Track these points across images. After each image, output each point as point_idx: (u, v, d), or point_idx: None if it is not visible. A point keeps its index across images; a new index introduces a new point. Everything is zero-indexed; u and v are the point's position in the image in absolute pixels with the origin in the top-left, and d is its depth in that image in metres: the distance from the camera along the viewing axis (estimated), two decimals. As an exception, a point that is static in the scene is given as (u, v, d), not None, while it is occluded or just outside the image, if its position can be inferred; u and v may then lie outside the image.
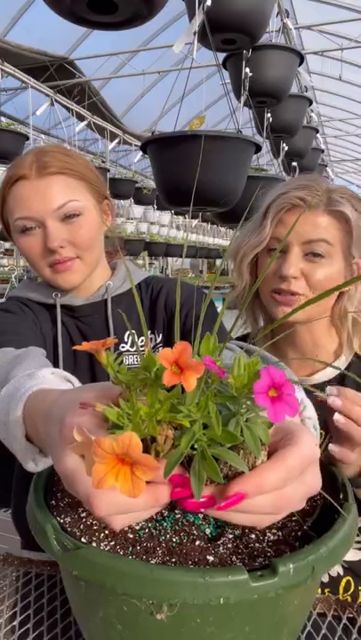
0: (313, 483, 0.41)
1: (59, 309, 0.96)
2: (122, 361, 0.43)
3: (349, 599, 0.92)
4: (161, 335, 1.00)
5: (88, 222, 0.89)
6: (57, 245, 0.85)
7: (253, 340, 1.06)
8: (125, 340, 0.98)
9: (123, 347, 0.99)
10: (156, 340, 0.99)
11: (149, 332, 1.00)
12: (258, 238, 0.94)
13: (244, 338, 1.11)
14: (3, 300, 1.06)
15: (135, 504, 0.37)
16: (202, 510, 0.40)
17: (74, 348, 0.46)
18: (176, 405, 0.38)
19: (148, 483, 0.36)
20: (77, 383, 0.60)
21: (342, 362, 0.98)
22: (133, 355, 0.98)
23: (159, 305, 1.01)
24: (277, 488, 0.37)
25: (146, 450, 0.36)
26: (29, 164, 0.85)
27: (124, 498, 0.35)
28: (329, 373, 0.98)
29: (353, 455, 0.68)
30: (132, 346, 0.98)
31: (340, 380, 0.97)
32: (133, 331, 1.00)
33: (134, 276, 1.04)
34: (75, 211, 0.87)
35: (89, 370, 0.99)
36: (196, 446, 0.38)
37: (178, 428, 0.39)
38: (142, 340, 0.97)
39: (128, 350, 0.98)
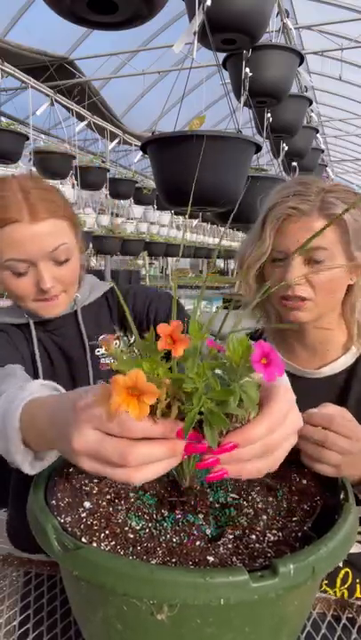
0: (295, 421, 0.50)
1: (33, 327, 1.00)
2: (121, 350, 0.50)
3: (346, 593, 0.93)
4: (133, 336, 1.03)
5: (74, 261, 0.95)
6: (50, 287, 0.90)
7: (264, 336, 1.11)
8: (99, 345, 1.04)
9: (98, 351, 1.05)
10: (129, 340, 1.07)
11: (122, 334, 1.07)
12: (260, 250, 0.98)
13: (257, 333, 1.15)
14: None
15: (158, 453, 0.45)
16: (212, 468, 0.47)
17: None
18: (178, 375, 0.46)
19: (166, 439, 0.45)
20: (64, 391, 0.65)
21: (353, 354, 1.00)
22: (108, 357, 1.04)
23: (128, 308, 1.05)
24: (264, 437, 0.46)
25: (151, 412, 0.44)
26: (17, 206, 0.87)
27: (149, 449, 0.44)
28: (338, 366, 1.00)
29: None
30: (106, 349, 1.02)
31: (349, 373, 0.98)
32: (104, 335, 1.05)
33: (99, 287, 1.10)
34: (65, 254, 0.92)
35: (70, 383, 1.03)
36: (203, 410, 0.45)
37: (178, 398, 0.47)
38: (117, 344, 1.05)
39: (103, 354, 1.04)
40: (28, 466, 0.62)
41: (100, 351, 1.04)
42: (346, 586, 0.93)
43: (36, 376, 0.97)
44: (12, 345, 0.97)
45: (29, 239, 0.87)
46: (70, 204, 1.00)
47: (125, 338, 1.07)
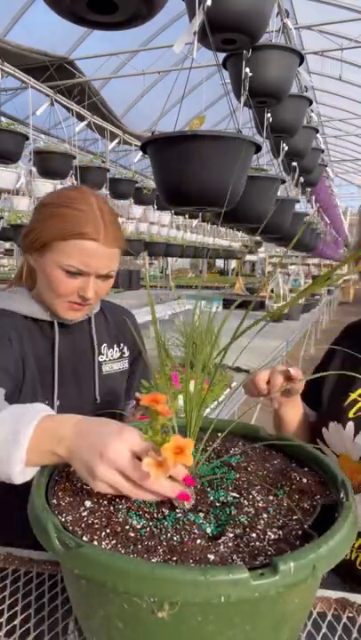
0: None
1: (57, 326, 1.10)
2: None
3: None
4: (126, 348, 1.23)
5: (112, 280, 1.09)
6: (90, 296, 1.03)
7: None
8: (102, 351, 1.18)
9: (101, 357, 1.17)
10: (122, 352, 1.22)
11: (116, 345, 1.21)
12: None
13: None
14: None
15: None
16: None
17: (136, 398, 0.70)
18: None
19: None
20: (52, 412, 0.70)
21: None
22: (108, 363, 1.19)
23: (127, 326, 1.23)
24: None
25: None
26: (96, 227, 0.99)
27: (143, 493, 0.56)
28: None
29: None
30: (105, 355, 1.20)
31: None
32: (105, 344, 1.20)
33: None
34: (111, 276, 1.07)
35: (73, 380, 1.12)
36: None
37: None
38: (113, 352, 1.20)
39: (105, 360, 1.18)
40: (18, 474, 0.63)
41: (103, 357, 1.17)
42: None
43: (52, 370, 1.08)
44: (6, 341, 1.02)
45: (96, 258, 1.01)
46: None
47: (117, 349, 1.21)
